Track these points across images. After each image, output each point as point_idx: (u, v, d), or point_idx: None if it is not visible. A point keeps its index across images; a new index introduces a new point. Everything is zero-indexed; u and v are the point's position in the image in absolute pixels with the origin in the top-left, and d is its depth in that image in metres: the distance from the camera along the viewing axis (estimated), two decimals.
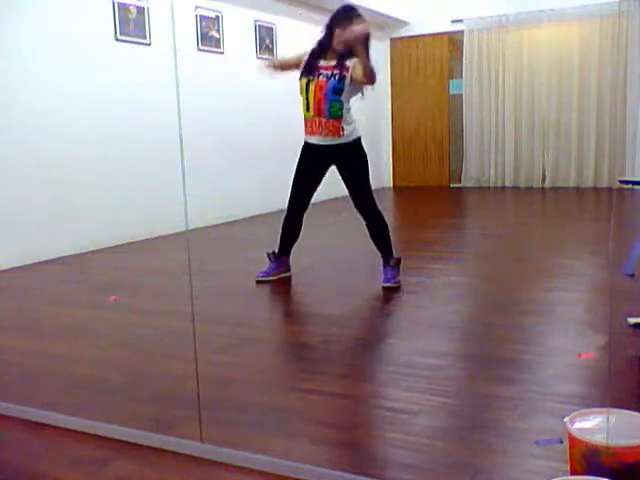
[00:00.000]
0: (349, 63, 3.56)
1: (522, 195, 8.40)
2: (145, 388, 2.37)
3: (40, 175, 4.79)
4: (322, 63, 3.62)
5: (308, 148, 3.76)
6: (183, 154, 2.53)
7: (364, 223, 3.78)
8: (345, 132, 3.62)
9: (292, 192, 3.84)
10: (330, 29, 3.59)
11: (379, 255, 3.79)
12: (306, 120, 3.69)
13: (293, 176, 3.82)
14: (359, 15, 3.49)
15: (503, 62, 8.88)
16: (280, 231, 3.93)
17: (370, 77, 3.46)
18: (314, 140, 3.68)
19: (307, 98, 3.63)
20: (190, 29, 6.13)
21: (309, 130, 3.68)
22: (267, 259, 3.95)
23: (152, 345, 2.87)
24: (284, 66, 3.86)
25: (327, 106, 3.58)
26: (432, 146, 9.64)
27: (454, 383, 2.33)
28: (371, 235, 3.79)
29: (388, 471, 1.73)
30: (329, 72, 3.58)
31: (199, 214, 5.93)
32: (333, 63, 3.60)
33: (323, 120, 3.61)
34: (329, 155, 3.68)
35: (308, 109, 3.65)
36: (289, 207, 3.87)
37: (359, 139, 3.68)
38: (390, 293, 3.60)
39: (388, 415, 2.07)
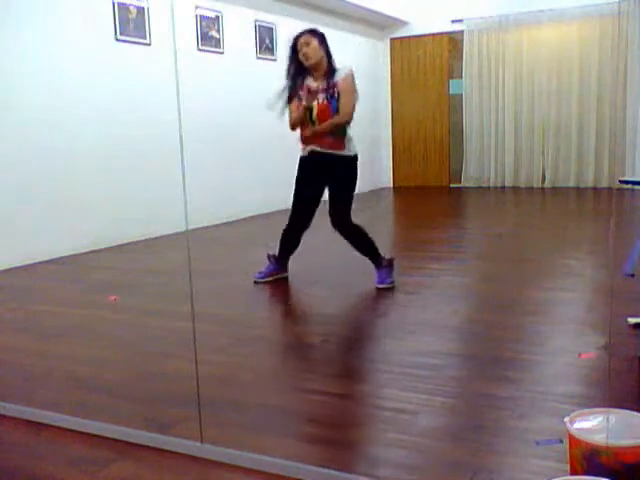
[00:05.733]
0: (337, 78, 3.57)
1: (522, 195, 8.40)
2: (145, 388, 2.37)
3: (40, 175, 4.79)
4: (310, 83, 3.61)
5: (307, 159, 3.73)
6: (183, 154, 2.53)
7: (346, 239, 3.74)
8: (346, 146, 3.64)
9: (294, 207, 3.81)
10: (295, 56, 3.59)
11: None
12: (305, 133, 3.66)
13: (294, 191, 3.80)
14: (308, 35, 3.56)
15: (503, 62, 8.88)
16: (280, 239, 3.91)
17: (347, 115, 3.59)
18: (316, 148, 3.64)
19: (312, 121, 3.61)
20: (190, 29, 6.13)
21: (310, 140, 3.65)
22: (267, 260, 3.96)
23: (152, 345, 2.87)
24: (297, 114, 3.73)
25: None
26: (432, 146, 9.64)
27: (454, 383, 2.33)
28: (355, 248, 3.77)
29: (388, 471, 1.73)
30: (325, 94, 3.57)
31: (199, 214, 5.93)
32: (322, 83, 3.58)
33: (325, 137, 3.61)
34: (328, 166, 3.66)
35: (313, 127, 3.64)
36: (291, 221, 3.84)
37: (356, 156, 3.69)
38: (389, 293, 3.60)
39: (388, 415, 2.07)
